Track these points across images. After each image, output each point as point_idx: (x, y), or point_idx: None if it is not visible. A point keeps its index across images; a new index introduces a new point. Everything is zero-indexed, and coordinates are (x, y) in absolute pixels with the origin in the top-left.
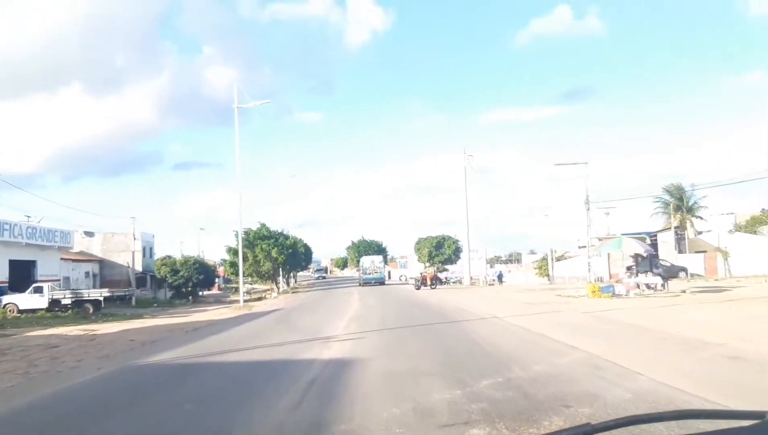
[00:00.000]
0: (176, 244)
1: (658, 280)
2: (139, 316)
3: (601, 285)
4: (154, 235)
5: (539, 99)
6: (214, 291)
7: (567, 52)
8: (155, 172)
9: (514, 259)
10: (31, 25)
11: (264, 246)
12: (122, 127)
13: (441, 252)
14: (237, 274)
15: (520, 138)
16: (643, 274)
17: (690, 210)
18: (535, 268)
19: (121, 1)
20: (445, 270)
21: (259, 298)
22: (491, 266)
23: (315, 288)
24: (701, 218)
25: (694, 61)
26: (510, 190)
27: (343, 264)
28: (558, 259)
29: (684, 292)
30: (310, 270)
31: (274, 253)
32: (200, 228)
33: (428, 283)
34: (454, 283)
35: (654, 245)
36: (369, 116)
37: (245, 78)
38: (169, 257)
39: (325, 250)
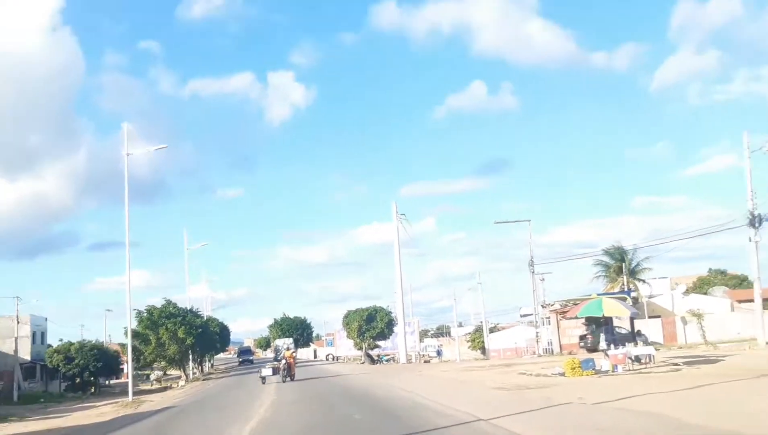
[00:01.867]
0: (80, 329)
1: (650, 350)
2: (3, 419)
3: (580, 359)
4: (46, 319)
5: (457, 172)
6: (124, 379)
7: (483, 127)
8: (69, 254)
9: (443, 332)
10: None
11: (169, 326)
12: (36, 208)
13: (372, 326)
14: (135, 360)
15: (439, 211)
16: (628, 345)
17: (633, 273)
18: (468, 341)
19: (36, 80)
20: (377, 346)
21: (166, 388)
22: (420, 341)
23: (231, 373)
24: (644, 281)
25: (603, 134)
26: (433, 263)
27: (265, 344)
28: (491, 331)
29: (678, 365)
30: (230, 352)
31: (180, 334)
32: (107, 309)
33: (290, 371)
34: (387, 361)
35: None
36: (292, 192)
37: (165, 154)
38: (69, 343)
39: (248, 328)
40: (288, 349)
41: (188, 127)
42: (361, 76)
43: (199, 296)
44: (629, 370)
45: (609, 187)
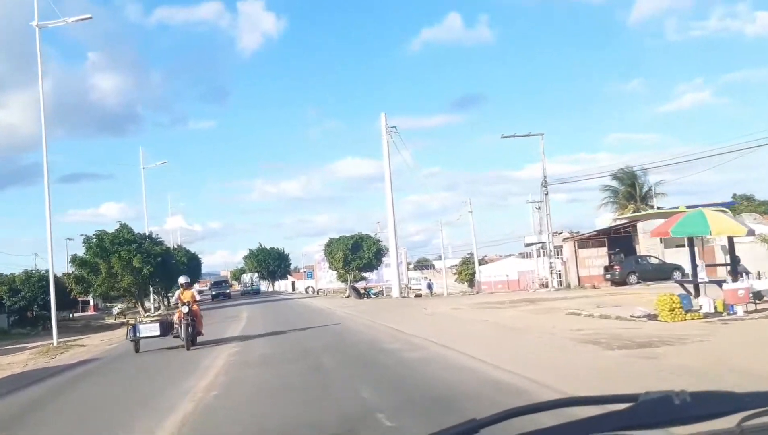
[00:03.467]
0: (43, 261)
1: None
2: None
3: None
4: None
5: (433, 107)
6: (90, 312)
7: (459, 61)
8: (40, 185)
9: (424, 265)
10: None
11: (123, 253)
12: (3, 139)
13: (359, 255)
14: (84, 293)
15: (415, 146)
16: (746, 277)
17: (644, 198)
18: (455, 274)
19: None
20: (363, 278)
21: (124, 323)
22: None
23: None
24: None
25: (580, 69)
26: (409, 198)
27: (240, 275)
28: (480, 263)
29: None
30: (205, 284)
31: (136, 263)
32: (67, 238)
33: (195, 325)
34: (375, 295)
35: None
36: (265, 124)
37: (133, 85)
38: (14, 274)
39: (226, 260)
40: (185, 286)
41: (157, 57)
42: (332, 7)
43: (169, 228)
44: (750, 311)
45: (584, 123)
